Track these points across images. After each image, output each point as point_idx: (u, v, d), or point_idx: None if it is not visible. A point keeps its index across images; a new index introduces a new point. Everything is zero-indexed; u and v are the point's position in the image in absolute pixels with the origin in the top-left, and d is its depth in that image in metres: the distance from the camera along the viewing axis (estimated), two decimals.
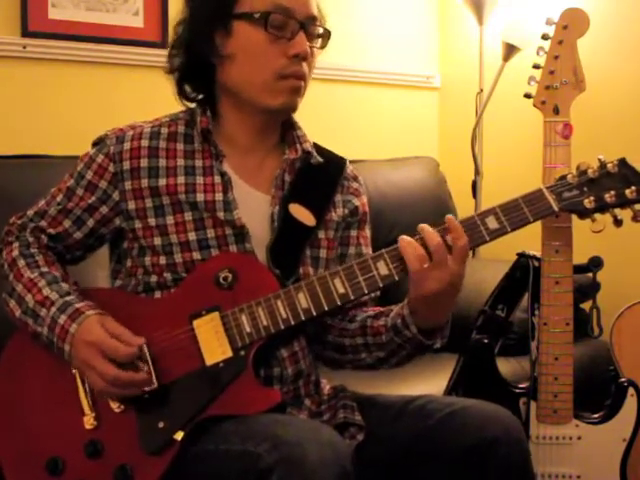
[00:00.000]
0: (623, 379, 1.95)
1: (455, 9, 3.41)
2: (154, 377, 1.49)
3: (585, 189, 1.52)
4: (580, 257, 1.92)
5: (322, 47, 1.63)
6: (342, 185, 1.70)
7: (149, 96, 2.65)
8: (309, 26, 1.58)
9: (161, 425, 1.47)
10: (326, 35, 1.62)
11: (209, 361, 1.49)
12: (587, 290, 2.12)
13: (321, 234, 1.64)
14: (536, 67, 1.90)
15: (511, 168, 3.22)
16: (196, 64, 1.61)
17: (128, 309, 1.56)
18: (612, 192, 1.51)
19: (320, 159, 1.67)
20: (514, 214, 1.49)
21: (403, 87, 3.48)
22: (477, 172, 3.25)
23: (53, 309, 1.52)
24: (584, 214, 1.54)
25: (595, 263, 1.94)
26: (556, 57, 1.88)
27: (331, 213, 1.66)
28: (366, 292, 1.50)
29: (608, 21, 2.95)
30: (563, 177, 1.53)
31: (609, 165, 1.53)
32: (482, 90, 3.24)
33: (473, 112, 3.25)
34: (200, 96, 1.66)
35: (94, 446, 1.49)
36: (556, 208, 1.51)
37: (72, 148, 2.38)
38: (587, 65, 1.88)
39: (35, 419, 1.54)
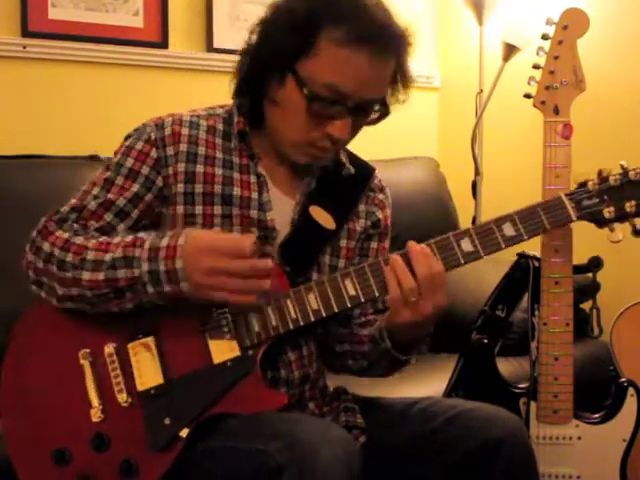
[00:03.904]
0: (623, 379, 1.95)
1: (455, 9, 3.41)
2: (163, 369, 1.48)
3: (605, 197, 1.49)
4: (580, 257, 1.92)
5: (372, 123, 1.55)
6: (368, 196, 1.69)
7: (149, 96, 2.66)
8: (364, 107, 1.50)
9: (167, 422, 1.46)
10: (383, 114, 1.54)
11: (217, 359, 1.49)
12: (587, 290, 2.12)
13: (343, 242, 1.63)
14: (536, 67, 1.90)
15: (511, 168, 3.22)
16: (253, 81, 1.56)
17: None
18: (633, 202, 1.48)
19: (352, 170, 1.66)
20: (531, 222, 1.47)
21: None
22: (477, 172, 3.24)
23: (147, 243, 1.42)
24: (602, 223, 1.51)
25: (595, 263, 1.94)
26: (556, 57, 1.87)
27: (355, 223, 1.66)
28: (377, 295, 1.49)
29: (608, 21, 2.95)
30: (583, 184, 1.50)
31: (631, 173, 1.48)
32: (482, 90, 3.23)
33: (473, 112, 3.24)
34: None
35: (101, 439, 1.48)
36: (574, 217, 1.49)
37: (72, 148, 2.39)
38: (587, 65, 1.87)
39: (43, 409, 1.53)
